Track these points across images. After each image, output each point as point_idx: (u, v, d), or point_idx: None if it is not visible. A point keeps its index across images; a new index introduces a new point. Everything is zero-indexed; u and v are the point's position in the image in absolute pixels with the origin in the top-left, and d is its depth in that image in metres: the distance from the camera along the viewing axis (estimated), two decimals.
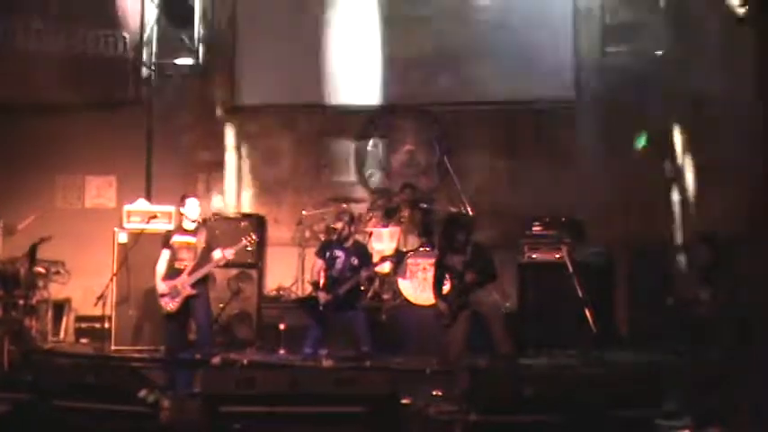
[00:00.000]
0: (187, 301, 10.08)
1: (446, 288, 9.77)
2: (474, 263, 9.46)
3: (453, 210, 11.32)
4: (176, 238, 10.24)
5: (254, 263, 11.42)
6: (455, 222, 9.98)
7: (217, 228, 10.90)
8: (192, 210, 10.29)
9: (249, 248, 10.66)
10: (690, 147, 11.75)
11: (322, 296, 10.23)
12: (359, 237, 10.97)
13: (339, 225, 10.64)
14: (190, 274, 10.08)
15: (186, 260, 10.15)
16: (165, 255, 10.24)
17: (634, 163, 11.82)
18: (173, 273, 10.17)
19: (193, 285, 10.08)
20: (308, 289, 11.17)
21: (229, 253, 10.22)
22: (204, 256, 10.17)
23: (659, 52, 11.97)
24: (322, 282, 10.33)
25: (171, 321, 10.19)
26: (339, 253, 10.40)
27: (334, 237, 10.62)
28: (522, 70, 12.38)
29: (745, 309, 10.00)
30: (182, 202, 10.39)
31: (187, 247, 10.18)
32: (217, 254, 10.16)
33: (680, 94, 11.74)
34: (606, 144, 12.02)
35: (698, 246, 10.74)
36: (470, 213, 11.03)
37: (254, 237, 10.60)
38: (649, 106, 11.88)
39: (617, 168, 11.86)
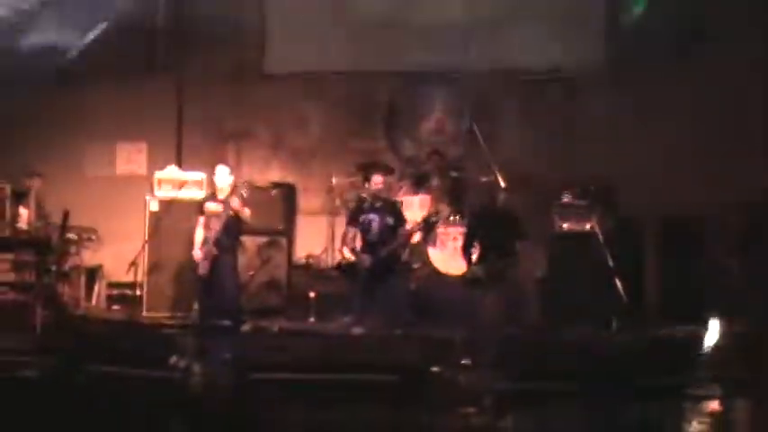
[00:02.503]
0: (217, 266, 10.09)
1: (475, 256, 9.79)
2: (507, 234, 9.48)
3: (484, 179, 11.26)
4: (208, 206, 10.27)
5: (283, 231, 11.45)
6: (491, 198, 10.01)
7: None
8: (221, 177, 10.31)
9: (244, 193, 10.49)
10: (723, 113, 11.63)
11: (365, 259, 10.16)
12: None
13: (380, 181, 10.52)
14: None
15: (214, 229, 10.17)
16: (201, 222, 10.29)
17: (666, 131, 11.72)
18: (205, 241, 10.21)
19: (217, 246, 10.09)
20: (338, 258, 11.19)
21: (235, 199, 10.19)
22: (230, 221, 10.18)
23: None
24: (359, 246, 10.29)
25: (204, 288, 10.24)
26: (373, 216, 10.32)
27: (365, 201, 10.55)
28: (553, 37, 12.31)
29: None
30: (213, 169, 10.42)
31: (217, 215, 10.19)
32: (234, 201, 10.14)
33: (712, 60, 11.63)
34: (637, 112, 11.92)
35: (730, 215, 10.70)
36: (502, 184, 10.95)
37: (246, 187, 10.53)
38: (681, 71, 11.76)
39: (648, 136, 11.77)
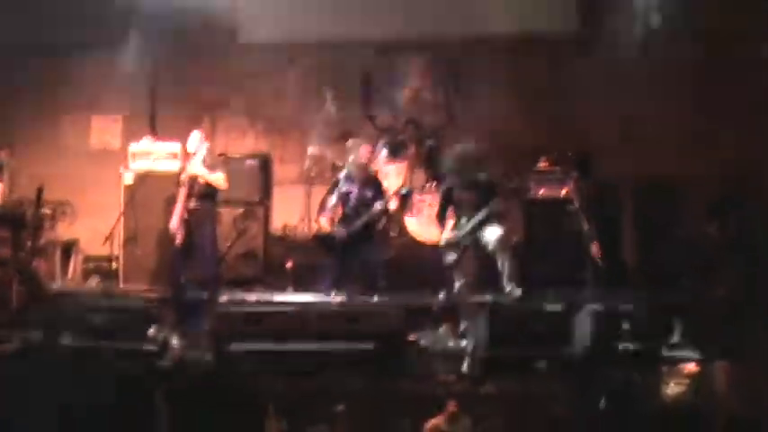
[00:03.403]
0: (194, 236, 10.05)
1: (450, 223, 9.78)
2: (485, 200, 9.48)
3: (464, 144, 11.23)
4: (184, 176, 10.23)
5: (259, 201, 11.42)
6: (468, 158, 9.97)
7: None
8: (192, 142, 10.27)
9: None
10: (700, 79, 11.63)
11: (340, 231, 10.21)
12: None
13: (366, 152, 10.52)
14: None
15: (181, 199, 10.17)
16: (182, 194, 10.27)
17: (642, 97, 11.71)
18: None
19: (188, 211, 10.10)
20: (315, 228, 11.18)
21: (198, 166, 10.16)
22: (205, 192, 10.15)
23: None
24: (338, 218, 10.33)
25: (180, 259, 10.23)
26: (351, 187, 10.37)
27: (343, 171, 10.57)
28: (528, 3, 12.34)
29: (754, 244, 10.01)
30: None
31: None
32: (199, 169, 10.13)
33: (689, 28, 11.63)
34: (614, 78, 11.90)
35: (706, 181, 10.72)
36: (483, 149, 10.91)
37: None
38: (657, 38, 11.76)
39: (625, 102, 11.76)
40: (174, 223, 10.19)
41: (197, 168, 10.14)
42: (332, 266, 10.35)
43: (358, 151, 10.57)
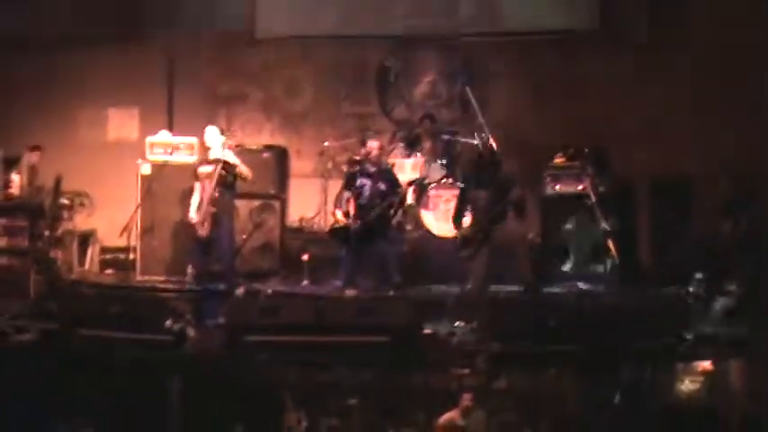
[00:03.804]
0: (214, 228, 10.08)
1: (467, 221, 9.82)
2: (501, 196, 9.50)
3: (476, 141, 11.27)
4: (201, 169, 10.27)
5: (276, 194, 11.47)
6: (484, 162, 10.02)
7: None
8: (210, 137, 10.29)
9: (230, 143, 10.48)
10: (716, 75, 11.63)
11: (353, 224, 10.24)
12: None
13: (376, 146, 10.55)
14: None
15: (207, 190, 10.16)
16: (198, 187, 10.28)
17: (658, 93, 11.72)
18: (200, 204, 10.21)
19: (212, 203, 10.07)
20: (331, 220, 11.22)
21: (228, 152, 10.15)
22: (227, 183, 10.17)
23: None
24: (352, 211, 10.35)
25: (199, 251, 10.28)
26: (365, 180, 10.40)
27: (357, 166, 10.62)
28: None
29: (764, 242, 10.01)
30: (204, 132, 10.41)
31: (209, 177, 10.18)
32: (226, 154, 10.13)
33: (707, 21, 11.63)
34: (630, 73, 11.92)
35: (720, 177, 10.72)
36: (495, 148, 10.93)
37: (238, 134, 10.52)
38: (672, 34, 11.78)
39: (640, 98, 11.78)
40: (194, 215, 10.20)
41: (232, 158, 10.16)
42: (347, 260, 10.37)
43: (372, 146, 10.57)
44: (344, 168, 11.41)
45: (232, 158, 10.17)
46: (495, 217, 9.61)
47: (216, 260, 10.41)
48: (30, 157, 11.33)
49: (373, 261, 10.43)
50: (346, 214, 10.42)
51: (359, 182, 10.43)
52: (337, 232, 10.61)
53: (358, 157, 10.90)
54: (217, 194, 10.18)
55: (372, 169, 10.47)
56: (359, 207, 10.35)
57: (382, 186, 10.38)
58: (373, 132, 11.66)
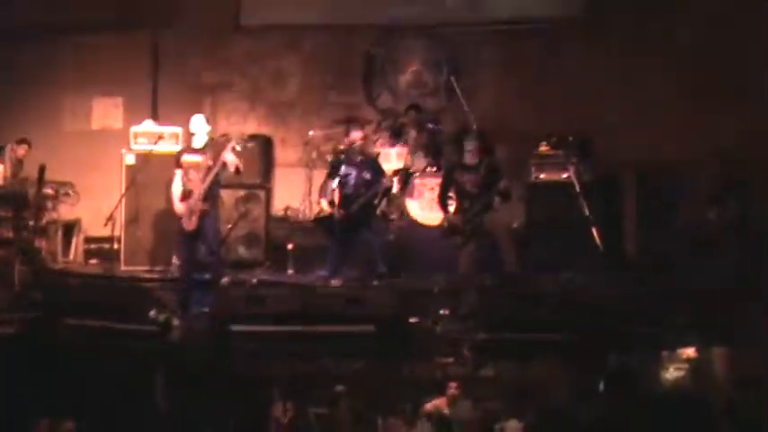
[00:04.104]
0: (201, 218, 10.01)
1: (452, 207, 9.80)
2: (488, 184, 9.48)
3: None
4: (185, 158, 10.14)
5: (261, 184, 11.44)
6: (466, 134, 10.00)
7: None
8: (197, 125, 10.19)
9: (238, 148, 10.42)
10: (701, 64, 11.65)
11: (338, 214, 10.19)
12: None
13: (359, 136, 10.50)
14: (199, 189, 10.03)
15: (194, 180, 10.03)
16: (179, 174, 10.11)
17: (643, 81, 11.73)
18: (185, 194, 10.04)
19: (203, 200, 10.00)
20: (316, 210, 11.21)
21: (229, 154, 10.11)
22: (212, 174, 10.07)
23: None
24: (337, 200, 10.30)
25: (185, 242, 10.15)
26: (350, 169, 10.36)
27: (342, 155, 10.59)
28: None
29: (753, 228, 10.03)
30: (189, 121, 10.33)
31: (196, 166, 10.07)
32: (227, 156, 10.07)
33: (692, 8, 11.66)
34: (614, 62, 11.93)
35: (706, 165, 10.74)
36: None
37: (245, 137, 10.48)
38: (657, 22, 11.77)
39: (625, 86, 11.79)
40: (179, 205, 10.07)
41: (230, 157, 10.05)
42: (332, 250, 10.34)
43: (356, 135, 10.53)
44: (329, 158, 11.38)
45: (231, 158, 10.07)
46: (483, 206, 9.59)
47: (203, 251, 10.32)
48: (16, 151, 11.26)
49: (358, 251, 10.39)
50: (331, 203, 10.40)
51: (343, 170, 10.39)
52: (322, 222, 10.61)
53: (342, 147, 10.88)
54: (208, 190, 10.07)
55: (357, 158, 10.44)
56: (344, 197, 10.31)
57: (367, 176, 10.35)
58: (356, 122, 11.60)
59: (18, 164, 11.30)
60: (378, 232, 10.52)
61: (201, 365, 9.73)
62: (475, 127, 11.02)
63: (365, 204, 10.31)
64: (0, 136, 11.54)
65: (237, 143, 10.09)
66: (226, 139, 10.66)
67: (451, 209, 9.74)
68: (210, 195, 10.01)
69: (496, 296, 9.52)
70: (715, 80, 11.54)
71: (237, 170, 10.10)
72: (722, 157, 11.02)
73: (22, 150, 11.29)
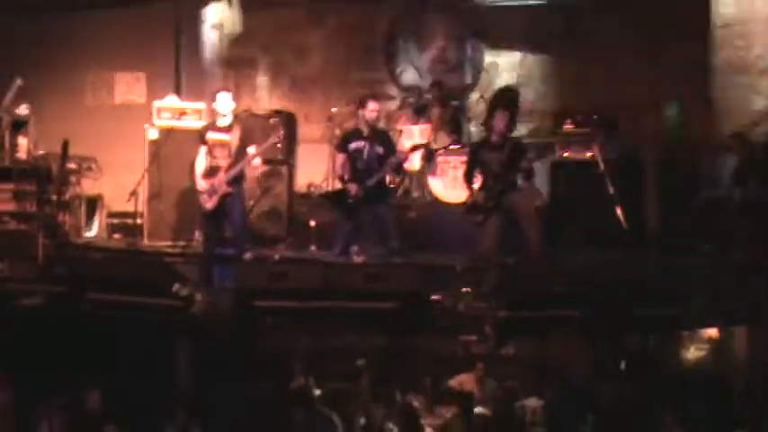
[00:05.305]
0: (223, 199, 10.03)
1: (477, 184, 9.79)
2: (512, 162, 9.47)
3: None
4: (210, 135, 10.12)
5: (284, 160, 11.44)
6: (501, 99, 9.99)
7: (248, 124, 10.81)
8: (224, 104, 10.16)
9: (278, 144, 10.52)
10: (725, 43, 11.55)
11: (352, 188, 10.02)
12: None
13: (375, 107, 10.29)
14: (226, 172, 10.00)
15: (220, 158, 10.02)
16: (203, 151, 10.11)
17: (667, 59, 11.66)
18: (209, 171, 10.06)
19: (229, 183, 9.99)
20: (338, 185, 11.20)
21: (258, 150, 10.12)
22: (239, 154, 10.07)
23: None
24: (347, 175, 10.15)
25: (208, 219, 10.16)
26: (362, 143, 10.13)
27: (356, 130, 10.38)
28: None
29: None
30: (213, 97, 10.30)
31: (221, 144, 10.05)
32: (251, 150, 10.07)
33: None
34: (639, 39, 11.86)
35: (730, 144, 10.68)
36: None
37: (281, 133, 10.54)
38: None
39: (649, 64, 11.72)
40: (202, 182, 10.07)
41: (257, 160, 10.10)
42: (343, 226, 10.20)
43: (372, 107, 10.31)
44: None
45: (257, 161, 10.12)
46: (507, 185, 9.59)
47: (228, 227, 10.30)
48: (20, 112, 11.13)
49: (371, 227, 10.23)
50: (341, 178, 10.28)
51: (354, 145, 10.17)
52: (332, 197, 10.54)
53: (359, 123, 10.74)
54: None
55: (367, 131, 10.21)
56: (356, 171, 10.14)
57: (379, 150, 10.12)
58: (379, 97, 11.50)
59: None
60: (390, 207, 10.37)
61: (224, 340, 9.80)
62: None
63: (380, 179, 10.17)
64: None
65: (276, 139, 10.22)
66: (249, 114, 10.70)
67: (476, 186, 9.73)
68: (235, 179, 10.02)
69: (519, 274, 9.50)
70: (742, 57, 11.44)
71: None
72: (746, 137, 10.94)
73: (24, 108, 11.19)
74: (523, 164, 9.54)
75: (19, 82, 10.72)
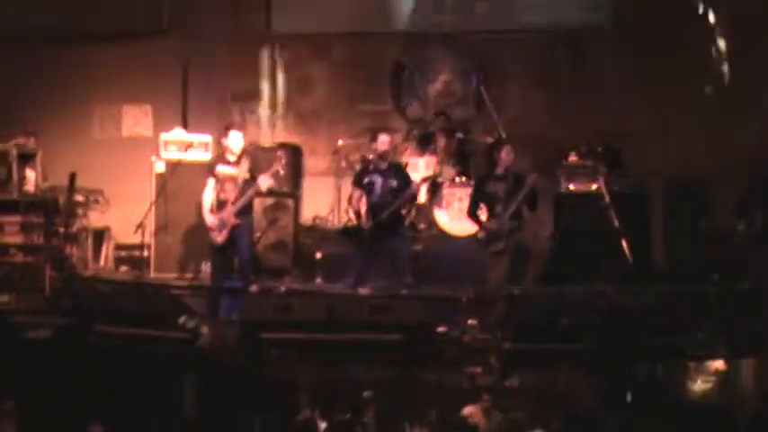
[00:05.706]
0: (232, 231, 10.06)
1: (483, 217, 9.83)
2: (513, 192, 9.53)
3: (491, 139, 11.28)
4: (220, 169, 10.19)
5: (290, 192, 11.48)
6: (500, 145, 10.04)
7: (255, 156, 10.84)
8: (236, 142, 10.22)
9: (281, 172, 10.52)
10: (728, 73, 11.62)
11: (366, 221, 10.09)
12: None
13: (386, 140, 10.35)
14: (233, 203, 10.05)
15: (229, 191, 10.05)
16: (211, 184, 10.15)
17: (671, 91, 11.71)
18: (218, 204, 10.10)
19: (237, 215, 10.04)
20: (344, 219, 11.22)
21: (265, 178, 10.16)
22: (247, 186, 10.12)
23: None
24: (363, 209, 10.18)
25: (217, 253, 10.18)
26: (376, 178, 10.20)
27: (371, 163, 10.48)
28: None
29: None
30: (225, 133, 10.29)
31: (231, 178, 10.13)
32: (262, 180, 10.12)
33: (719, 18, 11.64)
34: (643, 71, 11.91)
35: (734, 175, 10.70)
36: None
37: (283, 161, 10.56)
38: (687, 32, 11.75)
39: (654, 96, 11.77)
40: (210, 217, 10.10)
41: (265, 183, 10.13)
42: (358, 260, 10.25)
43: (383, 140, 10.37)
44: (358, 167, 11.35)
45: (266, 183, 10.15)
46: (514, 217, 9.64)
47: (236, 259, 10.31)
48: (24, 143, 11.18)
49: (385, 260, 10.32)
50: (357, 213, 10.31)
51: (369, 179, 10.26)
52: (348, 232, 10.58)
53: (370, 156, 10.82)
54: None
55: (383, 166, 10.29)
56: (371, 205, 10.17)
57: (393, 183, 10.18)
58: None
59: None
60: (405, 241, 10.48)
61: (230, 372, 9.79)
62: (504, 136, 11.05)
63: (392, 213, 10.24)
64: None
65: (279, 166, 10.19)
66: (255, 147, 10.73)
67: (483, 218, 9.78)
68: (244, 210, 10.06)
69: (524, 306, 9.51)
70: (746, 90, 11.50)
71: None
72: (751, 168, 10.97)
73: (31, 141, 11.25)
74: (521, 195, 9.61)
75: None
